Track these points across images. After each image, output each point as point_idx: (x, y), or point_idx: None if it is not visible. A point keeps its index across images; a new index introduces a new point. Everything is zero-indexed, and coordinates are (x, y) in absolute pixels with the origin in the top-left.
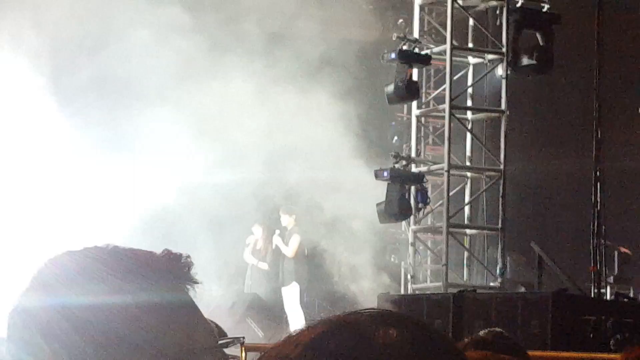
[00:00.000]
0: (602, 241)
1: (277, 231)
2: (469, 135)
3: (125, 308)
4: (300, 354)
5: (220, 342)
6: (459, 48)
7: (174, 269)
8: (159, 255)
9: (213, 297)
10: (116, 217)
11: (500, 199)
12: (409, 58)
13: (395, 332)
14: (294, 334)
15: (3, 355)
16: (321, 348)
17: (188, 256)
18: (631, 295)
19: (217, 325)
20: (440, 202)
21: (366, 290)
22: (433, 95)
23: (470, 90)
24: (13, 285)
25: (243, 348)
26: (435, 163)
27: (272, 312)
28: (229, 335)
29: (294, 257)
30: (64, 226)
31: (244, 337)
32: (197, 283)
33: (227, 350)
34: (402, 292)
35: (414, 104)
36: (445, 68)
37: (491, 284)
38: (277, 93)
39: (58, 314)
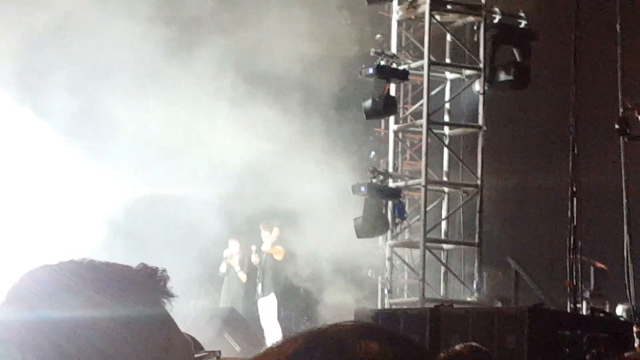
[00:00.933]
0: (578, 256)
1: (254, 248)
2: (446, 151)
3: (101, 322)
4: None
5: (196, 356)
6: (436, 63)
7: (150, 283)
8: (135, 269)
9: (189, 312)
10: (83, 227)
11: (477, 214)
12: (386, 73)
13: (376, 345)
14: (275, 346)
15: None
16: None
17: (164, 270)
18: (607, 310)
19: (193, 339)
20: (418, 217)
21: (343, 304)
22: (410, 110)
23: (447, 105)
24: None
25: None
26: (412, 178)
27: (249, 327)
28: (206, 349)
29: (281, 259)
30: (33, 235)
31: (219, 351)
32: (173, 297)
33: None
34: (379, 306)
35: (392, 119)
36: (422, 83)
37: (468, 298)
38: (253, 107)
39: (34, 327)
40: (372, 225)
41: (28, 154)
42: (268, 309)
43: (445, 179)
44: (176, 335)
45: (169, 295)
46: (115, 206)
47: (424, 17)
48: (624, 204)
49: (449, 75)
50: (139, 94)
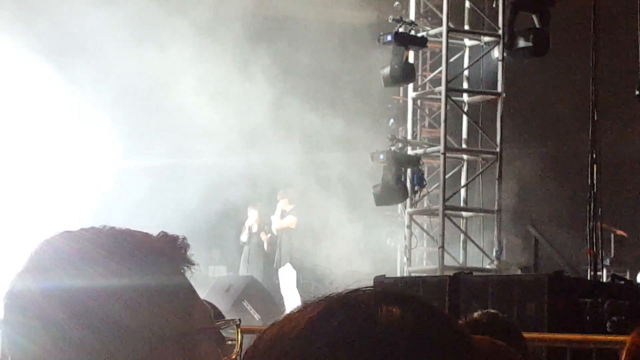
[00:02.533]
0: (599, 224)
1: (273, 218)
2: (465, 118)
3: (122, 291)
4: (300, 333)
5: (216, 324)
6: (455, 30)
7: (170, 251)
8: (155, 237)
9: (209, 280)
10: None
11: (497, 182)
12: (405, 40)
13: (398, 310)
14: (296, 311)
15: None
16: (322, 327)
17: (184, 238)
18: (627, 277)
19: (214, 307)
20: (437, 184)
21: (362, 273)
22: (429, 77)
23: (466, 72)
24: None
25: (239, 330)
26: (431, 146)
27: (269, 295)
28: (226, 318)
29: (286, 237)
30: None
31: (239, 319)
32: (194, 265)
33: (224, 334)
34: (399, 274)
35: (410, 86)
36: (441, 51)
37: (487, 266)
38: (264, 73)
39: (54, 297)
40: (391, 192)
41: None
42: (287, 278)
43: (464, 146)
44: (196, 303)
45: (190, 263)
46: (137, 172)
47: None
48: None
49: (468, 42)
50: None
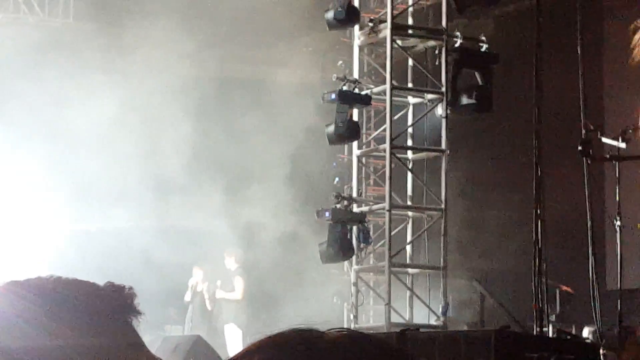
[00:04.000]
0: (544, 280)
1: (219, 283)
2: (410, 175)
3: (65, 351)
4: None
5: None
6: (398, 88)
7: (118, 301)
8: (102, 287)
9: (155, 340)
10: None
11: (442, 238)
12: (349, 98)
13: (338, 336)
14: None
15: None
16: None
17: (131, 287)
18: (573, 332)
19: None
20: (382, 241)
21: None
22: (374, 135)
23: (410, 129)
24: None
25: None
26: (376, 203)
27: (216, 355)
28: None
29: (241, 299)
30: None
31: None
32: (141, 314)
33: None
34: None
35: (355, 144)
36: (385, 108)
37: (434, 322)
38: (213, 131)
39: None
40: (337, 250)
41: None
42: (233, 337)
43: (409, 203)
44: (143, 354)
45: (137, 312)
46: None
47: (385, 42)
48: (589, 225)
49: (412, 100)
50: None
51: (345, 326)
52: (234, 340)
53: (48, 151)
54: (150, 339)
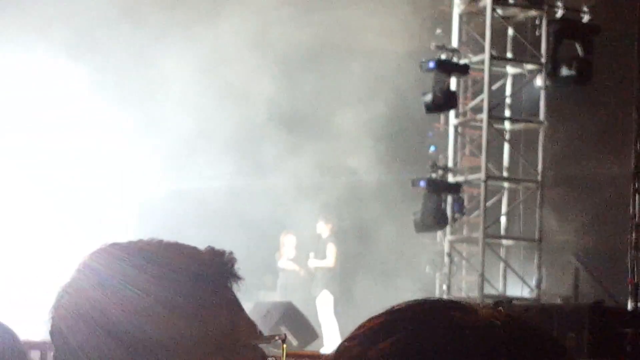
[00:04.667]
0: None
1: (312, 254)
2: (506, 146)
3: (168, 308)
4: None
5: (261, 338)
6: (497, 58)
7: (217, 265)
8: (203, 251)
9: (246, 305)
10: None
11: (538, 210)
12: (447, 67)
13: (488, 311)
14: (359, 329)
15: None
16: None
17: (231, 252)
18: None
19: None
20: (477, 212)
21: (400, 301)
22: (471, 105)
23: (508, 100)
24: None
25: (284, 345)
26: (472, 173)
27: (307, 321)
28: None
29: (333, 266)
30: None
31: (285, 334)
32: (241, 279)
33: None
34: None
35: (452, 113)
36: (483, 78)
37: (527, 295)
38: (312, 102)
39: (92, 319)
40: (431, 220)
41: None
42: (324, 305)
43: (505, 174)
44: (242, 317)
45: (237, 277)
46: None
47: (485, 11)
48: None
49: (510, 70)
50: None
51: (437, 296)
52: (326, 308)
53: (138, 108)
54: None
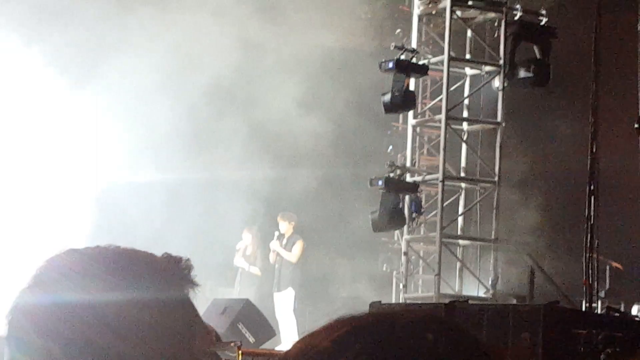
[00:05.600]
0: (595, 255)
1: (277, 233)
2: (464, 146)
3: (125, 311)
4: (328, 347)
5: (217, 345)
6: (456, 59)
7: (174, 271)
8: (160, 258)
9: (203, 302)
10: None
11: (494, 210)
12: (406, 68)
13: (430, 335)
14: (320, 330)
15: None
16: (348, 347)
17: (188, 259)
18: (622, 309)
19: (214, 332)
20: (434, 212)
21: (358, 298)
22: (429, 105)
23: (466, 101)
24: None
25: (240, 352)
26: (430, 173)
27: (264, 319)
28: (223, 340)
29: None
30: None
31: (240, 342)
32: (198, 285)
33: (221, 355)
34: (394, 301)
35: (410, 113)
36: (442, 79)
37: (483, 295)
38: (270, 99)
39: (54, 312)
40: (389, 219)
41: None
42: (284, 302)
43: (462, 174)
44: (199, 323)
45: (193, 284)
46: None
47: (444, 13)
48: None
49: (469, 71)
50: None
51: (394, 295)
52: (287, 305)
53: (113, 99)
54: (199, 301)
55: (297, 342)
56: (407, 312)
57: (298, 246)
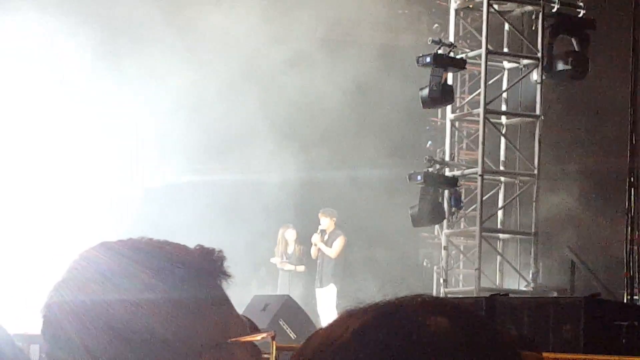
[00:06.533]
0: (636, 247)
1: (319, 229)
2: (503, 140)
3: (158, 305)
4: (348, 341)
5: (251, 335)
6: (494, 53)
7: (207, 263)
8: (192, 250)
9: (244, 299)
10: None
11: (534, 204)
12: (444, 62)
13: (446, 321)
14: (342, 318)
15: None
16: (369, 336)
17: (220, 250)
18: None
19: (250, 321)
20: (474, 206)
21: (399, 294)
22: (467, 99)
23: (504, 94)
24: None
25: (274, 342)
26: (469, 167)
27: (305, 315)
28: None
29: (336, 258)
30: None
31: (274, 332)
32: (230, 277)
33: (262, 350)
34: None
35: (449, 108)
36: (480, 73)
37: (523, 288)
38: (314, 101)
39: (92, 311)
40: (428, 214)
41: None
42: (326, 298)
43: (502, 168)
44: (232, 314)
45: (226, 275)
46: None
47: (482, 6)
48: None
49: (507, 65)
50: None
51: (435, 290)
52: (329, 301)
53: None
54: (239, 298)
55: (313, 337)
56: (418, 299)
57: (339, 242)
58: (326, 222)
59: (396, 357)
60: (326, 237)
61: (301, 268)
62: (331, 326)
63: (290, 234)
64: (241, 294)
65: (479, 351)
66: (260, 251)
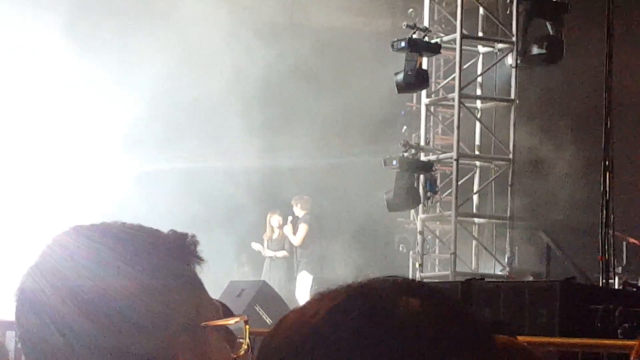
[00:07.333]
0: (611, 231)
1: (290, 218)
2: (478, 125)
3: (131, 289)
4: (321, 321)
5: (224, 319)
6: (468, 37)
7: (179, 247)
8: (165, 234)
9: (221, 285)
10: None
11: (509, 188)
12: (418, 47)
13: (417, 302)
14: (315, 299)
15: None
16: (342, 316)
17: (193, 235)
18: (639, 285)
19: (224, 306)
20: (449, 191)
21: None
22: (442, 84)
23: (479, 79)
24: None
25: (247, 327)
26: (444, 152)
27: (281, 300)
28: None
29: (301, 245)
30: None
31: (247, 317)
32: (203, 261)
33: (238, 335)
34: None
35: (424, 93)
36: (454, 57)
37: (499, 272)
38: (284, 82)
39: (65, 296)
40: (404, 198)
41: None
42: (302, 284)
43: (477, 152)
44: (205, 298)
45: (199, 259)
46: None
47: None
48: None
49: (481, 49)
50: None
51: (410, 274)
52: (304, 288)
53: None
54: (220, 284)
55: (285, 318)
56: (390, 280)
57: (301, 229)
58: (297, 209)
59: (368, 338)
60: (296, 222)
61: (281, 254)
62: (303, 308)
63: (275, 220)
64: (222, 280)
65: (450, 332)
66: (241, 237)
